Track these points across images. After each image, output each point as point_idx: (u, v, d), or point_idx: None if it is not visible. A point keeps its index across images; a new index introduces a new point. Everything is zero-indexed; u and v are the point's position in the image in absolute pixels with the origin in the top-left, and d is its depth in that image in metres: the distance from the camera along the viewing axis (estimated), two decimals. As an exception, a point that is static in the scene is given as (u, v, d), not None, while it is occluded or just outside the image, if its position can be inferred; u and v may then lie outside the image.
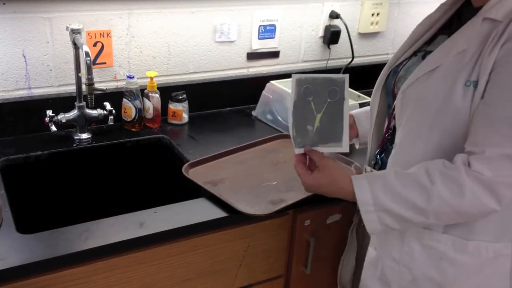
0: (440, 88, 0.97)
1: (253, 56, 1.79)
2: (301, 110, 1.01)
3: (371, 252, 1.16)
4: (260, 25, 1.75)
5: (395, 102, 1.09)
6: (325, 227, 1.34)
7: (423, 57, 1.07)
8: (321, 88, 1.01)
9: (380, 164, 1.17)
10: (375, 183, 0.99)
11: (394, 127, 1.11)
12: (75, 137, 1.47)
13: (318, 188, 1.07)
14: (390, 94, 1.14)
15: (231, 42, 1.73)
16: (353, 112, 1.29)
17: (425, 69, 1.01)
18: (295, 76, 1.01)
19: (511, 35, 0.91)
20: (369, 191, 0.98)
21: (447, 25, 1.09)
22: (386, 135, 1.15)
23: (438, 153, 0.98)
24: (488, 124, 0.91)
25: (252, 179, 1.33)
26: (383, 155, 1.16)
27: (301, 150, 1.06)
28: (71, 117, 1.44)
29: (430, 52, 1.05)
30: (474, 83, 0.94)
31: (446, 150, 0.98)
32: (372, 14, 1.95)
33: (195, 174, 1.32)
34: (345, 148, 1.04)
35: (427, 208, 0.94)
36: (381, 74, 1.17)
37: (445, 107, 0.96)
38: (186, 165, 1.34)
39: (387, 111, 1.16)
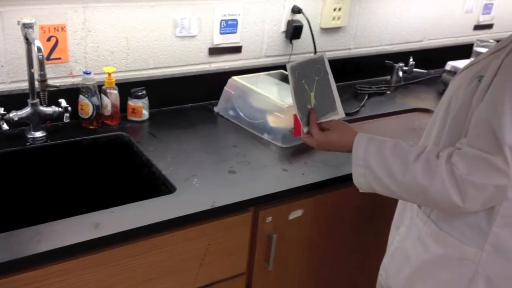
0: (464, 79, 1.02)
1: (214, 51, 1.76)
2: (299, 94, 1.13)
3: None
4: (222, 20, 1.73)
5: None
6: (287, 223, 1.34)
7: None
8: (308, 70, 1.13)
9: None
10: (372, 145, 1.07)
11: None
12: (29, 136, 1.41)
13: (328, 144, 1.16)
14: None
15: (192, 37, 1.70)
16: None
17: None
18: (289, 65, 1.13)
19: None
20: (363, 149, 1.07)
21: None
22: None
23: (446, 140, 1.02)
24: (473, 124, 0.94)
25: None
26: None
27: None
28: (24, 115, 1.39)
29: None
30: (481, 77, 0.96)
31: (453, 140, 1.01)
32: (334, 9, 1.95)
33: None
34: (341, 114, 1.16)
35: (401, 180, 1.00)
36: None
37: (458, 97, 1.01)
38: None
39: None
